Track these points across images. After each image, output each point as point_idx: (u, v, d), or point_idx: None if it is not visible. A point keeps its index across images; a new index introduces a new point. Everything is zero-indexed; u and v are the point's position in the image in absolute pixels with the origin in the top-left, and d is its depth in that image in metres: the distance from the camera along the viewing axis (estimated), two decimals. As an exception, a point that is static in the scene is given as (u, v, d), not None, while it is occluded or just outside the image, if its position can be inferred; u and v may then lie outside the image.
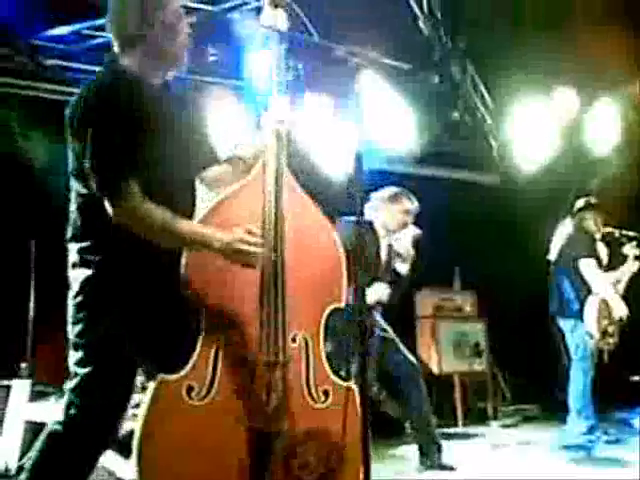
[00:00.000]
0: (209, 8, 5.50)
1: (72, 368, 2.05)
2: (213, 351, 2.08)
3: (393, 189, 4.09)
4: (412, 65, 5.80)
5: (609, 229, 5.12)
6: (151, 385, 2.05)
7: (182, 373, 2.05)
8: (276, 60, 2.39)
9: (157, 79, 2.20)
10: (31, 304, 4.28)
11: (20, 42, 5.62)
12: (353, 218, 2.17)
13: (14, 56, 5.75)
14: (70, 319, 2.06)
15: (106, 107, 2.00)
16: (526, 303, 6.05)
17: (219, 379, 2.07)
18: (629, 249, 5.12)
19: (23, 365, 4.09)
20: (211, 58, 5.17)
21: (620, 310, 4.67)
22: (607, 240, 5.14)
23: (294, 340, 2.20)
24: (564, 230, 5.04)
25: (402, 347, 3.94)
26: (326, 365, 2.26)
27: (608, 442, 4.77)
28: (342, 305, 2.32)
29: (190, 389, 2.04)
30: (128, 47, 2.14)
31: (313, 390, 2.21)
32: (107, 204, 1.98)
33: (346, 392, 2.25)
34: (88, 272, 2.04)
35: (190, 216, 2.17)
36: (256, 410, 2.09)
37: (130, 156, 1.99)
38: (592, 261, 4.67)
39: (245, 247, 2.06)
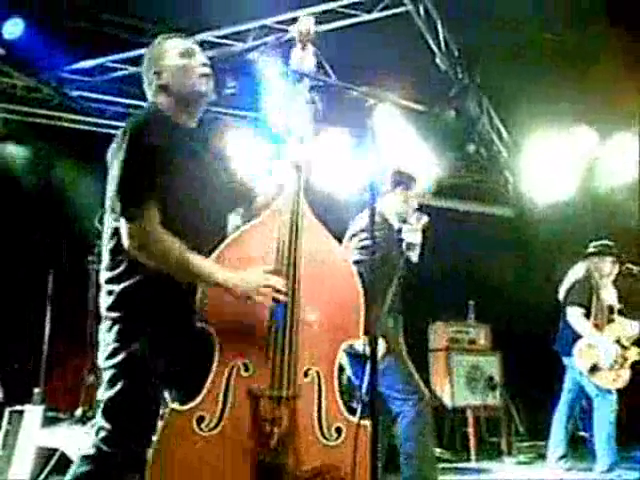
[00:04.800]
0: (229, 42, 5.68)
1: (101, 395, 2.12)
2: (224, 382, 2.10)
3: (397, 170, 3.89)
4: (429, 100, 5.89)
5: (627, 265, 5.20)
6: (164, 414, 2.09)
7: (194, 403, 2.07)
8: (300, 99, 2.42)
9: (189, 121, 2.31)
10: (46, 332, 4.35)
11: (46, 74, 5.80)
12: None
13: (41, 88, 5.94)
14: (101, 346, 2.15)
15: (136, 138, 2.12)
16: (541, 336, 6.00)
17: (229, 410, 2.08)
18: None
19: (36, 391, 4.14)
20: (229, 90, 5.28)
21: (609, 352, 4.92)
22: (624, 276, 5.22)
23: (306, 375, 2.19)
24: (575, 274, 5.26)
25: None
26: (340, 402, 2.22)
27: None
28: (359, 341, 2.31)
29: (200, 419, 2.06)
30: (156, 95, 2.31)
31: (325, 426, 2.18)
32: (124, 227, 2.06)
33: (361, 430, 2.18)
34: (113, 298, 2.12)
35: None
36: (262, 443, 2.08)
37: (154, 184, 2.07)
38: (578, 310, 5.01)
39: (264, 291, 2.12)
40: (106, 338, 2.13)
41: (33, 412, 4.00)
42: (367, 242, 3.41)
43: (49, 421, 3.99)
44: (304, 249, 2.27)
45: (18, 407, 4.06)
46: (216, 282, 2.11)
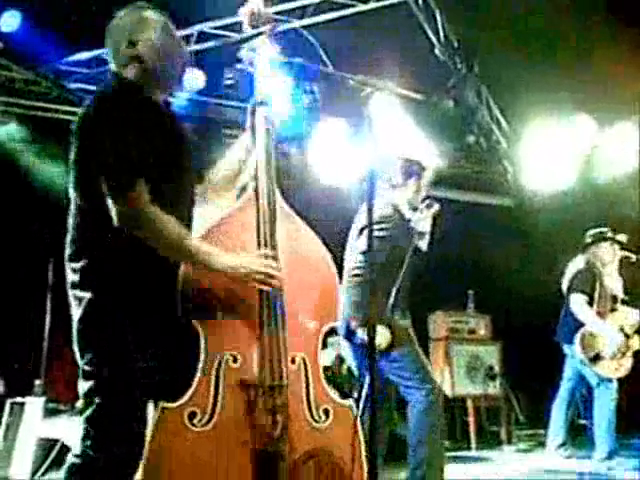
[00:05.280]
0: (226, 34, 5.67)
1: (83, 396, 1.99)
2: (214, 376, 2.07)
3: (407, 160, 3.80)
4: (428, 90, 5.88)
5: (626, 253, 5.20)
6: (154, 413, 2.04)
7: (184, 399, 2.03)
8: (261, 84, 2.41)
9: (157, 96, 2.19)
10: (47, 323, 4.35)
11: (44, 67, 5.79)
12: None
13: (39, 80, 5.94)
14: (77, 344, 2.01)
15: (114, 110, 2.00)
16: (541, 325, 6.02)
17: (221, 404, 2.05)
18: None
19: (37, 382, 4.15)
20: (227, 82, 5.27)
21: (612, 340, 4.93)
22: (627, 266, 5.23)
23: (293, 361, 2.20)
24: (576, 265, 5.26)
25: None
26: (325, 384, 2.25)
27: (627, 469, 4.76)
28: (337, 324, 2.32)
29: (192, 415, 2.02)
30: (125, 65, 2.16)
31: (314, 410, 2.19)
32: (112, 206, 1.93)
33: (346, 410, 2.24)
34: (89, 294, 1.99)
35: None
36: (260, 433, 2.07)
37: (138, 162, 1.96)
38: (581, 297, 4.99)
39: (267, 271, 2.09)
40: (81, 339, 2.00)
41: (34, 404, 4.02)
42: (383, 233, 3.41)
43: (50, 413, 4.01)
44: (280, 237, 2.24)
45: (19, 399, 4.08)
46: (215, 264, 2.03)
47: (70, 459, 2.00)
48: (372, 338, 2.09)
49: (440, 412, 3.40)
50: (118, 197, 1.94)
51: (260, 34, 2.42)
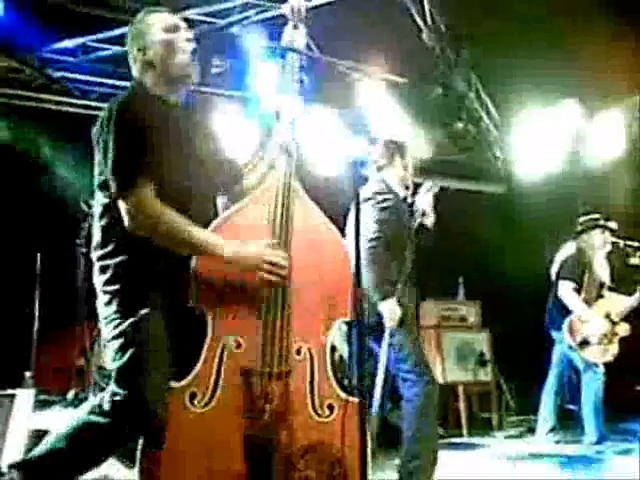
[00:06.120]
0: (213, 20, 5.60)
1: (110, 365, 2.14)
2: (217, 360, 2.13)
3: (389, 140, 3.84)
4: (415, 77, 5.86)
5: (614, 239, 5.23)
6: None
7: (186, 380, 2.10)
8: (289, 75, 2.43)
9: (175, 99, 2.31)
10: (36, 315, 4.32)
11: (28, 55, 5.71)
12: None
13: (23, 69, 5.85)
14: (102, 321, 2.17)
15: (126, 116, 2.13)
16: (531, 312, 6.05)
17: (221, 387, 2.11)
18: (637, 260, 5.23)
19: (27, 374, 4.13)
20: (215, 70, 5.23)
21: (599, 326, 5.03)
22: (614, 252, 5.28)
23: (298, 352, 2.21)
24: (566, 251, 5.36)
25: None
26: (332, 379, 2.24)
27: (616, 452, 4.81)
28: (349, 319, 2.30)
29: (193, 396, 2.09)
30: (142, 72, 2.30)
31: (317, 404, 2.20)
32: (122, 206, 2.08)
33: (352, 406, 2.21)
34: (110, 273, 2.15)
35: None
36: (253, 419, 2.11)
37: (146, 161, 2.10)
38: (569, 284, 5.08)
39: (272, 259, 2.15)
40: (106, 312, 2.15)
41: (24, 396, 3.98)
42: (387, 203, 3.43)
43: (41, 404, 3.99)
44: (295, 227, 2.27)
45: (9, 391, 4.04)
46: (221, 254, 2.12)
47: (86, 417, 2.13)
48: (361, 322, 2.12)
49: (435, 407, 3.37)
50: (124, 197, 2.08)
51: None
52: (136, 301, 2.10)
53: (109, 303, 2.14)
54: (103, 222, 2.20)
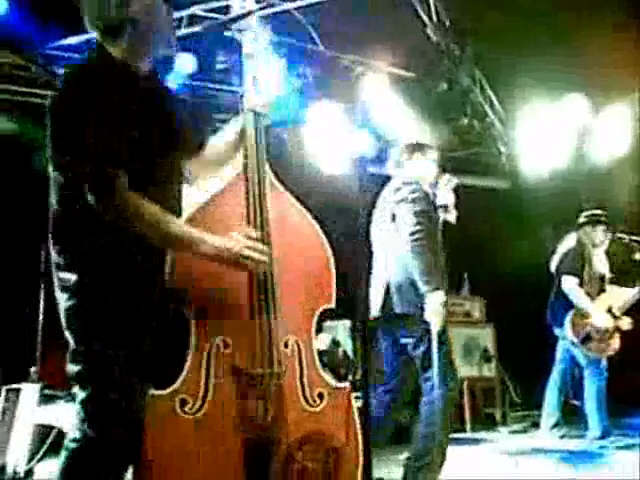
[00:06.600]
0: (217, 16, 5.59)
1: (75, 380, 1.93)
2: (205, 363, 2.03)
3: (410, 141, 3.76)
4: (420, 72, 5.84)
5: (619, 235, 5.22)
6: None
7: (174, 386, 2.00)
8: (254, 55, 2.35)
9: (145, 65, 2.04)
10: (41, 308, 4.33)
11: (34, 52, 5.72)
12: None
13: (28, 66, 5.86)
14: (65, 324, 1.95)
15: (94, 91, 1.85)
16: (535, 308, 6.04)
17: (212, 391, 2.02)
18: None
19: (32, 369, 4.14)
20: (219, 66, 5.23)
21: (602, 321, 5.01)
22: (618, 247, 5.27)
23: (286, 345, 2.15)
24: (567, 244, 5.29)
25: None
26: (319, 367, 2.21)
27: (620, 447, 4.81)
28: (333, 305, 2.26)
29: (183, 403, 1.99)
30: (112, 35, 1.97)
31: (308, 394, 2.16)
32: (90, 196, 1.82)
33: (340, 392, 2.21)
34: (75, 277, 1.91)
35: (178, 212, 2.08)
36: (253, 420, 2.04)
37: (117, 145, 1.83)
38: (572, 279, 5.02)
39: (251, 254, 1.97)
40: (68, 320, 1.94)
41: (30, 390, 4.01)
42: (418, 194, 3.34)
43: (46, 399, 4.01)
44: (271, 216, 2.16)
45: (15, 385, 4.07)
46: (205, 252, 1.94)
47: (67, 444, 1.94)
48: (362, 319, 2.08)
49: (453, 405, 3.36)
50: (94, 188, 1.82)
51: (249, 14, 2.35)
52: (102, 320, 1.89)
53: (75, 314, 1.92)
54: (64, 207, 1.94)
